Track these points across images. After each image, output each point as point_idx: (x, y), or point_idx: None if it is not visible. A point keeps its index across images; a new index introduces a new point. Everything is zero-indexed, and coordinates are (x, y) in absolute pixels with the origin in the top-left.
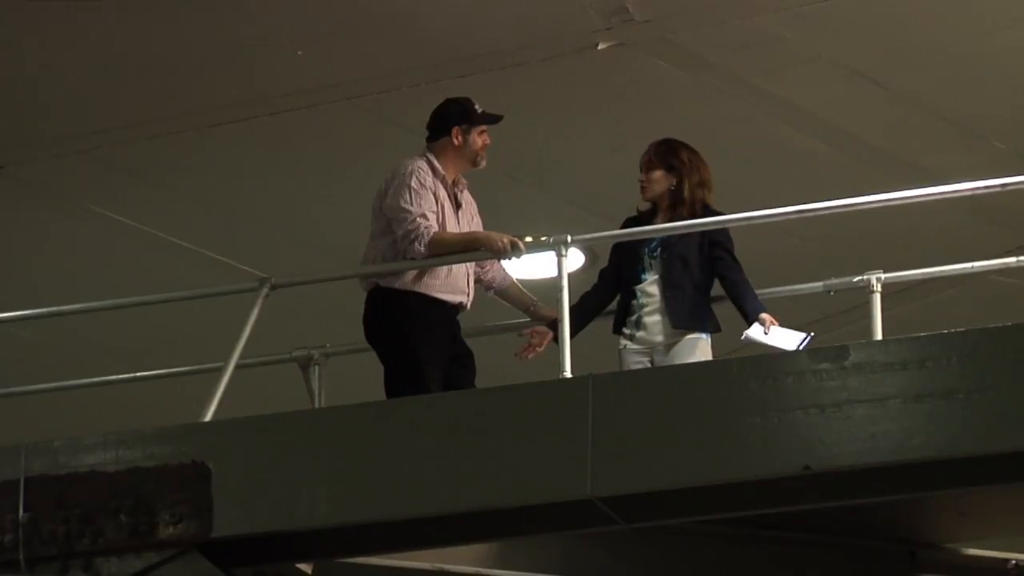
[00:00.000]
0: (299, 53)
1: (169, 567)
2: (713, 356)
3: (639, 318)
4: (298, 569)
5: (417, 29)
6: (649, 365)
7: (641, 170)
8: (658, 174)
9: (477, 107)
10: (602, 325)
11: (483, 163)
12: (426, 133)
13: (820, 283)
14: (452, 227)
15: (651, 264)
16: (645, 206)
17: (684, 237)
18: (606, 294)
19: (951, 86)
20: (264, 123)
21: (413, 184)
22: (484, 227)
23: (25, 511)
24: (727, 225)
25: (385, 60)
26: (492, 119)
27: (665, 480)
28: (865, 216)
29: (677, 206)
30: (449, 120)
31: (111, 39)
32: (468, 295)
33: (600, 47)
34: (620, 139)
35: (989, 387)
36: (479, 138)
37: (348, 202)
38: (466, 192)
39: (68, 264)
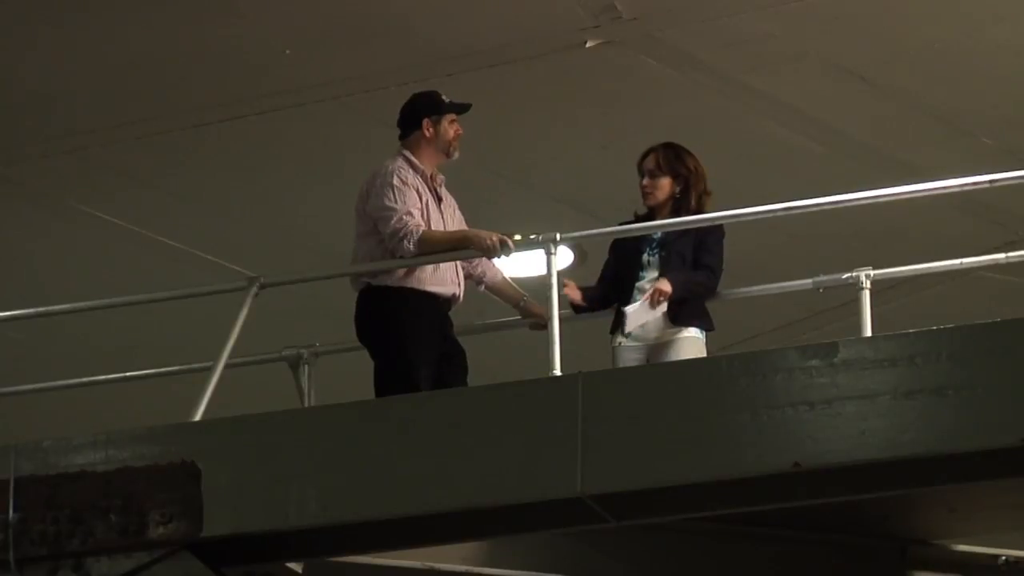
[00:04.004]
0: (287, 52)
1: (159, 567)
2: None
3: (635, 315)
4: (288, 568)
5: (405, 28)
6: (644, 362)
7: (643, 175)
8: (664, 181)
9: (445, 97)
10: (591, 322)
11: (456, 153)
12: (399, 132)
13: (809, 280)
14: (436, 221)
15: (650, 262)
16: (643, 210)
17: (682, 236)
18: (601, 293)
19: (939, 82)
20: (252, 122)
21: (395, 182)
22: (472, 225)
23: (15, 511)
24: (715, 222)
25: (373, 59)
26: (460, 107)
27: (655, 478)
28: (854, 213)
29: (680, 212)
30: (418, 113)
31: (98, 39)
32: (459, 286)
33: (588, 45)
34: (609, 137)
35: (978, 384)
36: (450, 127)
37: (337, 201)
38: (444, 187)
39: (57, 264)
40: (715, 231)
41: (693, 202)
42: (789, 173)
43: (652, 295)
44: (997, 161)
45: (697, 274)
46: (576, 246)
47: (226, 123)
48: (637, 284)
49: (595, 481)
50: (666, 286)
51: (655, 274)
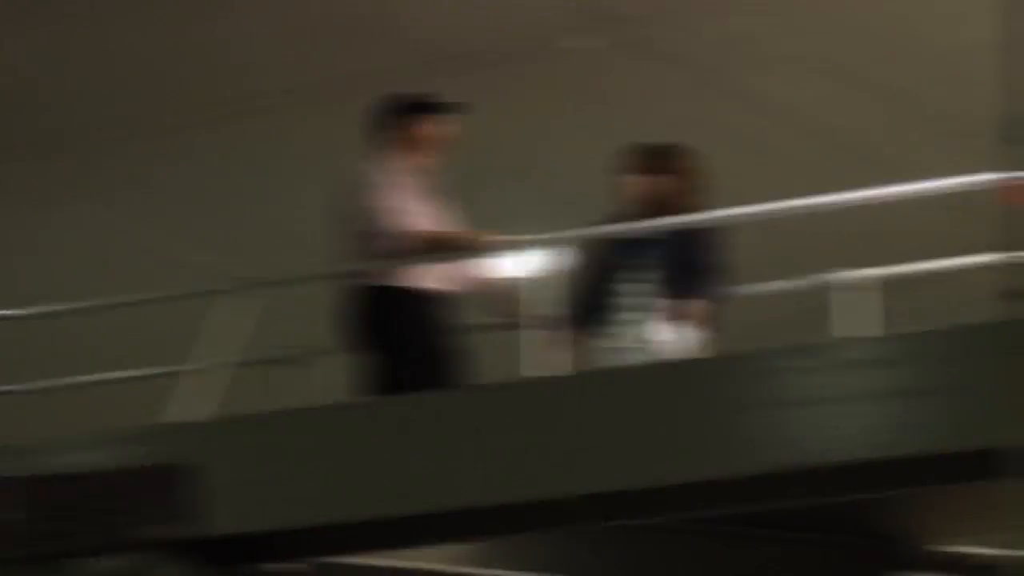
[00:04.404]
0: (283, 53)
1: (156, 567)
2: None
3: (626, 316)
4: (284, 569)
5: (400, 29)
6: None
7: (632, 172)
8: (651, 179)
9: (430, 98)
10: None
11: (444, 153)
12: (380, 132)
13: (795, 280)
14: (427, 220)
15: (640, 264)
16: (631, 208)
17: (675, 237)
18: (593, 296)
19: (933, 83)
20: (247, 123)
21: (385, 181)
22: (463, 225)
23: (4, 512)
24: (705, 224)
25: (368, 60)
26: (446, 107)
27: (641, 478)
28: (842, 213)
29: (667, 213)
30: (402, 113)
31: (89, 40)
32: (459, 282)
33: (578, 46)
34: (601, 138)
35: (960, 385)
36: (437, 127)
37: (333, 201)
38: (431, 185)
39: (48, 264)
40: (714, 233)
41: (683, 200)
42: (780, 173)
43: (683, 318)
44: (990, 162)
45: (711, 281)
46: (567, 247)
47: (220, 123)
48: (625, 286)
49: (583, 481)
50: (695, 308)
51: (645, 275)
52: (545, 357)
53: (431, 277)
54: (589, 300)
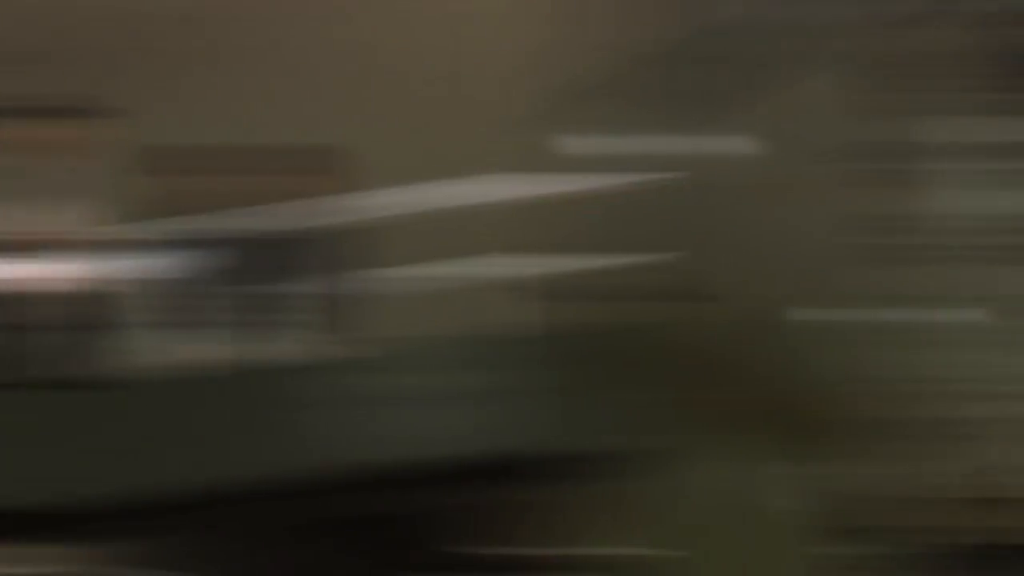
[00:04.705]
0: None
1: None
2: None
3: (273, 322)
4: None
5: None
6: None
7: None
8: (176, 179)
9: None
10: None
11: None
12: None
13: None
14: None
15: (282, 267)
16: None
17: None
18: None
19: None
20: None
21: None
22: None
23: None
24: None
25: None
26: None
27: (198, 480)
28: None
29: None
30: None
31: None
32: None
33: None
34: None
35: (526, 390)
36: None
37: None
38: None
39: None
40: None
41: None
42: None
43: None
44: None
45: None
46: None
47: None
48: (271, 287)
49: (159, 482)
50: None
51: (291, 279)
52: (120, 358)
53: None
54: (173, 303)
